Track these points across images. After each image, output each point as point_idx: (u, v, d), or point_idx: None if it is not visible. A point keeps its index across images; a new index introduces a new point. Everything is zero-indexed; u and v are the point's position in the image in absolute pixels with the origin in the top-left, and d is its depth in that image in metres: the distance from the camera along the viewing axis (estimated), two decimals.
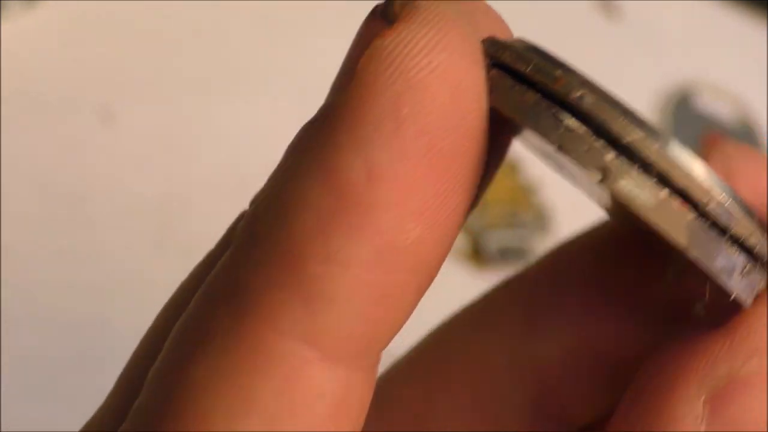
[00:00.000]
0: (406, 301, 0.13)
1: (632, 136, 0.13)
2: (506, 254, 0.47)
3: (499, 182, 0.49)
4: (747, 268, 0.14)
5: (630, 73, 0.56)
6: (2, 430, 0.36)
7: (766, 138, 0.57)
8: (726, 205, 0.13)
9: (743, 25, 0.61)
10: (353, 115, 0.13)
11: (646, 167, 0.13)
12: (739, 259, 0.14)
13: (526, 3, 0.56)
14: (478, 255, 0.47)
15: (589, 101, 0.13)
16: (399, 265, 0.13)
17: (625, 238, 0.17)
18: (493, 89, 0.14)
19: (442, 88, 0.13)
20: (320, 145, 0.13)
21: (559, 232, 0.49)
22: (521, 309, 0.18)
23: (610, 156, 0.13)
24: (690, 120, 0.56)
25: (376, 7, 0.14)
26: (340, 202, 0.13)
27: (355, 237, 0.13)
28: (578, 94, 0.13)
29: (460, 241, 0.47)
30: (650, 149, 0.13)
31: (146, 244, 0.41)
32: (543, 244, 0.48)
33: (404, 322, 0.14)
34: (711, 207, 0.13)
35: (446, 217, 0.13)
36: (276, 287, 0.13)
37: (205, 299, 0.14)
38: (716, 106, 0.57)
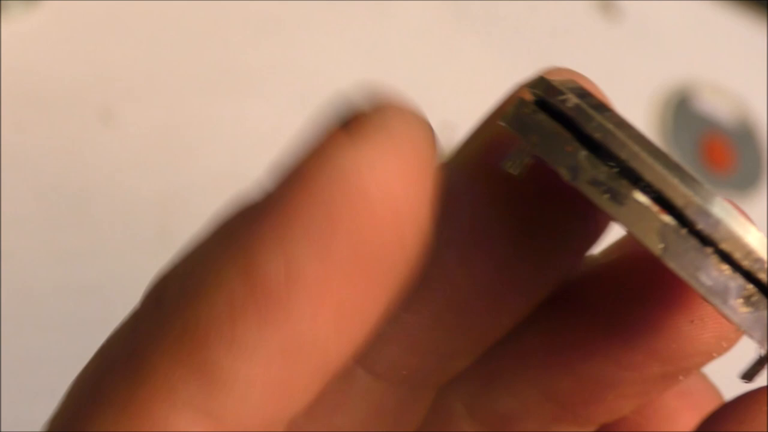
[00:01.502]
0: (307, 391, 0.13)
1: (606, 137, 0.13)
2: None
3: None
4: (750, 295, 0.12)
5: (630, 73, 0.56)
6: (2, 430, 0.36)
7: (766, 138, 0.57)
8: (708, 211, 0.12)
9: (743, 25, 0.61)
10: (287, 214, 0.13)
11: (623, 170, 0.13)
12: (732, 281, 0.12)
13: (526, 3, 0.56)
14: None
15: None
16: (303, 362, 0.13)
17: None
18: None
19: (382, 208, 0.13)
20: (247, 232, 0.13)
21: None
22: (479, 360, 0.17)
23: (582, 154, 0.13)
24: (689, 120, 0.56)
25: (343, 114, 0.14)
26: (254, 293, 0.12)
27: (263, 329, 0.13)
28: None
29: None
30: (629, 152, 0.13)
31: (146, 244, 0.41)
32: None
33: (305, 404, 0.13)
34: (689, 211, 0.12)
35: (359, 322, 0.13)
36: (176, 362, 0.13)
37: (103, 359, 0.14)
38: (716, 106, 0.57)
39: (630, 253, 0.17)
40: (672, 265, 0.12)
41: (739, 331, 0.13)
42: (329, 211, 0.12)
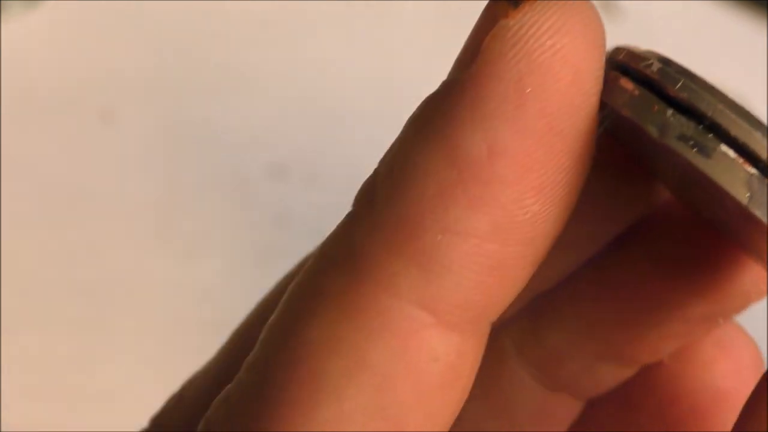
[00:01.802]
0: (519, 273, 0.14)
1: (701, 102, 0.14)
2: None
3: None
4: None
5: None
6: (2, 430, 0.36)
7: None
8: None
9: (743, 25, 0.61)
10: (477, 92, 0.13)
11: (704, 121, 0.14)
12: None
13: None
14: None
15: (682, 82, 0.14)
16: (515, 239, 0.13)
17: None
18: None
19: (564, 70, 0.13)
20: (443, 119, 0.13)
21: None
22: (529, 301, 0.18)
23: (669, 112, 0.14)
24: None
25: None
26: (462, 175, 0.13)
27: (474, 209, 0.13)
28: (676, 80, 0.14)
29: None
30: (714, 109, 0.14)
31: (146, 244, 0.41)
32: None
33: (516, 294, 0.14)
34: None
35: (563, 195, 0.14)
36: (394, 253, 0.13)
37: (321, 261, 0.14)
38: None
39: (672, 202, 0.17)
40: (757, 212, 0.13)
41: None
42: (518, 82, 0.13)
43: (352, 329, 0.13)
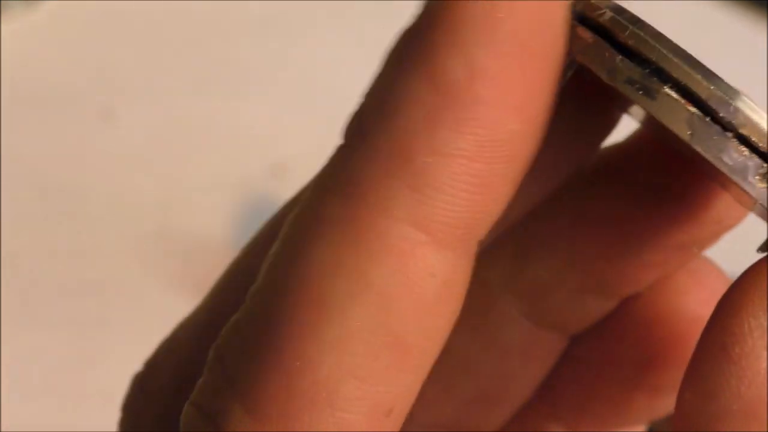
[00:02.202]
0: (503, 190, 0.15)
1: (646, 49, 0.15)
2: None
3: None
4: (766, 172, 0.14)
5: None
6: (2, 430, 0.36)
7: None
8: (728, 101, 0.15)
9: (743, 25, 0.61)
10: (453, 18, 0.14)
11: (650, 66, 0.15)
12: (751, 160, 0.14)
13: None
14: None
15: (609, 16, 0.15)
16: (498, 157, 0.14)
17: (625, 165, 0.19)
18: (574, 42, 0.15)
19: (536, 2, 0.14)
20: (422, 47, 0.14)
21: None
22: (513, 237, 0.19)
23: (618, 58, 0.15)
24: None
25: None
26: (445, 99, 0.14)
27: (459, 131, 0.14)
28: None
29: None
30: (658, 53, 0.15)
31: (146, 244, 0.41)
32: None
33: (500, 211, 0.15)
34: (712, 102, 0.15)
35: (538, 114, 0.15)
36: (387, 177, 0.14)
37: (318, 191, 0.15)
38: None
39: (647, 136, 0.19)
40: (698, 148, 0.14)
41: (755, 205, 0.15)
42: (491, 6, 0.14)
43: (353, 252, 0.14)
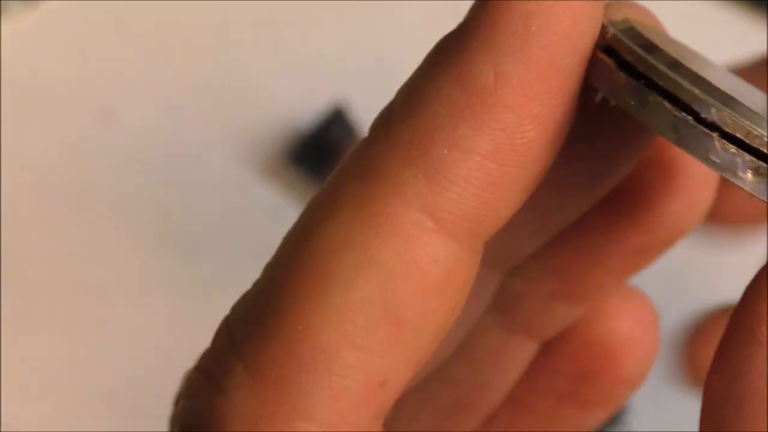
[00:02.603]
0: (513, 194, 0.16)
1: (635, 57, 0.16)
2: None
3: None
4: (757, 167, 0.15)
5: None
6: (2, 430, 0.36)
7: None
8: (711, 102, 0.15)
9: (743, 25, 0.61)
10: (488, 26, 0.15)
11: (642, 79, 0.16)
12: (739, 157, 0.15)
13: None
14: None
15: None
16: (512, 160, 0.15)
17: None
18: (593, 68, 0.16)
19: (566, 14, 0.15)
20: (456, 50, 0.15)
21: None
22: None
23: (617, 74, 0.16)
24: None
25: None
26: (470, 98, 0.15)
27: (479, 130, 0.15)
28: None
29: None
30: (648, 66, 0.16)
31: (146, 244, 0.41)
32: None
33: (508, 215, 0.16)
34: (695, 105, 0.15)
35: (556, 126, 0.15)
36: (405, 163, 0.15)
37: (338, 173, 0.16)
38: None
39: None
40: (685, 149, 0.15)
41: (753, 197, 0.15)
42: (526, 19, 0.15)
43: (364, 229, 0.15)
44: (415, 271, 0.15)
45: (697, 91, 0.15)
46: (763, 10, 0.62)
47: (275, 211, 0.43)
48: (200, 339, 0.42)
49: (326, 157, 0.43)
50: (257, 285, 0.16)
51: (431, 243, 0.15)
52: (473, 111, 0.15)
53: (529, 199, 0.16)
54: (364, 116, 0.44)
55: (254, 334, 0.15)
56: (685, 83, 0.15)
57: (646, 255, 0.19)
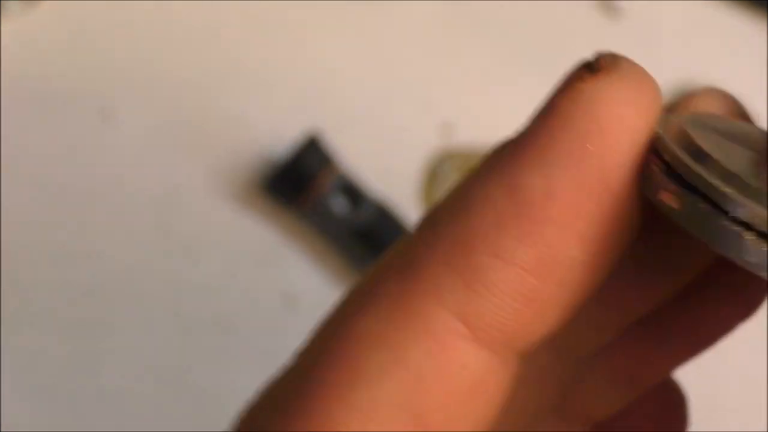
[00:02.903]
0: (552, 312, 0.15)
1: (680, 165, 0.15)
2: None
3: None
4: None
5: None
6: (2, 430, 0.36)
7: (766, 138, 0.57)
8: (742, 202, 0.15)
9: (743, 25, 0.61)
10: (545, 141, 0.15)
11: (684, 182, 0.15)
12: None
13: (526, 3, 0.56)
14: None
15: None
16: (553, 278, 0.15)
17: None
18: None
19: (624, 137, 0.15)
20: (510, 160, 0.15)
21: None
22: None
23: (660, 177, 0.15)
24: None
25: (586, 59, 0.16)
26: (518, 209, 0.15)
27: (522, 242, 0.15)
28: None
29: None
30: (687, 170, 0.15)
31: (146, 244, 0.41)
32: None
33: (546, 333, 0.15)
34: (728, 207, 0.15)
35: (605, 249, 0.15)
36: (445, 266, 0.15)
37: (379, 267, 0.16)
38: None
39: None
40: (717, 249, 0.15)
41: None
42: (583, 139, 0.15)
43: (397, 327, 0.15)
44: (444, 376, 0.15)
45: (727, 190, 0.15)
46: (763, 10, 0.62)
47: (249, 239, 0.43)
48: (200, 338, 0.43)
49: (300, 185, 0.43)
50: (285, 369, 0.16)
51: (462, 349, 0.15)
52: (519, 222, 0.15)
53: (598, 293, 0.16)
54: (339, 144, 0.44)
55: (278, 422, 0.15)
56: (716, 181, 0.15)
57: (711, 340, 0.19)
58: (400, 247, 0.16)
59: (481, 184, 0.15)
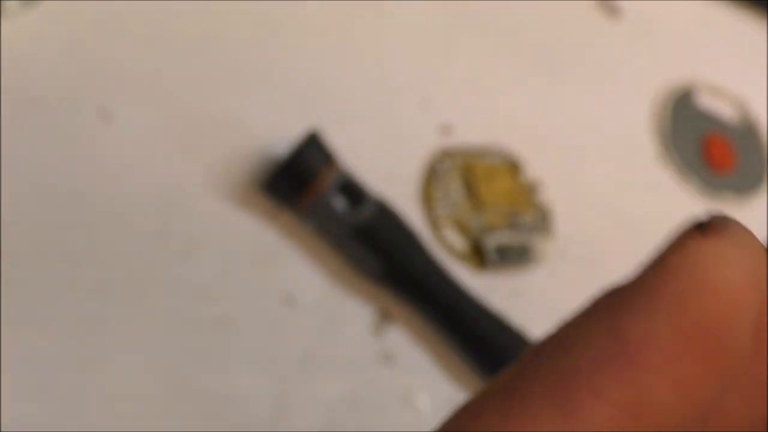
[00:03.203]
0: None
1: None
2: (506, 254, 0.47)
3: (499, 182, 0.49)
4: None
5: (629, 73, 0.56)
6: (2, 430, 0.36)
7: (766, 138, 0.57)
8: None
9: (743, 25, 0.61)
10: (651, 291, 0.16)
11: None
12: None
13: (527, 3, 0.56)
14: (478, 255, 0.47)
15: None
16: (644, 422, 0.16)
17: None
18: None
19: (728, 299, 0.16)
20: (616, 304, 0.17)
21: (559, 232, 0.49)
22: None
23: None
24: (690, 119, 0.56)
25: (700, 218, 0.18)
26: (618, 351, 0.16)
27: (618, 380, 0.16)
28: None
29: (460, 241, 0.47)
30: None
31: (145, 243, 0.41)
32: (543, 244, 0.48)
33: None
34: None
35: (697, 398, 0.16)
36: (545, 399, 0.16)
37: (481, 392, 0.17)
38: (716, 106, 0.57)
39: None
40: None
41: None
42: (687, 294, 0.16)
43: None
44: None
45: None
46: (763, 10, 0.62)
47: (248, 238, 0.43)
48: (199, 338, 0.43)
49: (300, 185, 0.42)
50: None
51: None
52: (618, 364, 0.16)
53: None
54: (339, 144, 0.44)
55: None
56: None
57: None
58: (503, 377, 0.17)
59: (586, 324, 0.17)
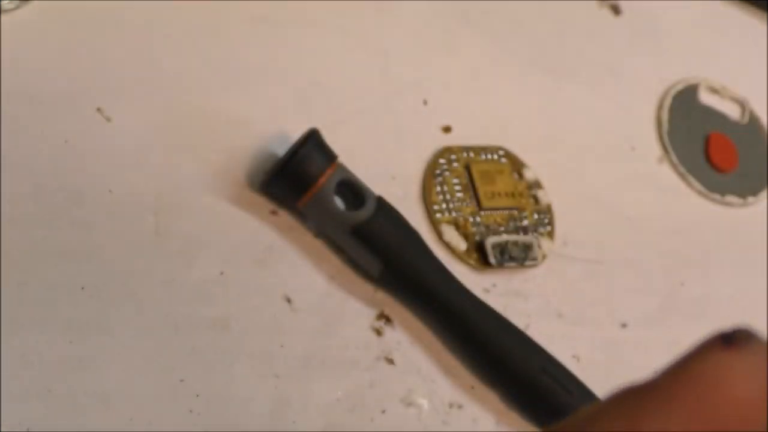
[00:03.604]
0: None
1: None
2: (506, 254, 0.47)
3: (500, 182, 0.49)
4: None
5: (631, 73, 0.56)
6: (2, 430, 0.36)
7: (766, 138, 0.57)
8: None
9: (747, 24, 0.61)
10: (670, 394, 0.18)
11: None
12: None
13: (527, 3, 0.56)
14: (478, 255, 0.47)
15: None
16: None
17: None
18: None
19: (742, 410, 0.17)
20: (637, 400, 0.18)
21: (559, 232, 0.49)
22: None
23: None
24: (693, 118, 0.56)
25: (725, 330, 0.19)
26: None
27: None
28: None
29: (460, 241, 0.47)
30: None
31: (144, 243, 0.41)
32: (543, 244, 0.48)
33: None
34: None
35: None
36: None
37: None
38: (719, 104, 0.57)
39: None
40: None
41: None
42: (704, 401, 0.17)
43: None
44: None
45: None
46: (763, 10, 0.62)
47: (248, 238, 0.43)
48: (199, 338, 0.43)
49: (300, 185, 0.42)
50: None
51: None
52: None
53: None
54: (338, 144, 0.44)
55: None
56: None
57: None
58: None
59: (608, 419, 0.18)
